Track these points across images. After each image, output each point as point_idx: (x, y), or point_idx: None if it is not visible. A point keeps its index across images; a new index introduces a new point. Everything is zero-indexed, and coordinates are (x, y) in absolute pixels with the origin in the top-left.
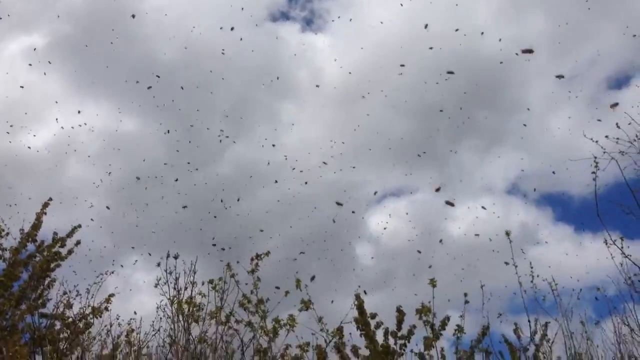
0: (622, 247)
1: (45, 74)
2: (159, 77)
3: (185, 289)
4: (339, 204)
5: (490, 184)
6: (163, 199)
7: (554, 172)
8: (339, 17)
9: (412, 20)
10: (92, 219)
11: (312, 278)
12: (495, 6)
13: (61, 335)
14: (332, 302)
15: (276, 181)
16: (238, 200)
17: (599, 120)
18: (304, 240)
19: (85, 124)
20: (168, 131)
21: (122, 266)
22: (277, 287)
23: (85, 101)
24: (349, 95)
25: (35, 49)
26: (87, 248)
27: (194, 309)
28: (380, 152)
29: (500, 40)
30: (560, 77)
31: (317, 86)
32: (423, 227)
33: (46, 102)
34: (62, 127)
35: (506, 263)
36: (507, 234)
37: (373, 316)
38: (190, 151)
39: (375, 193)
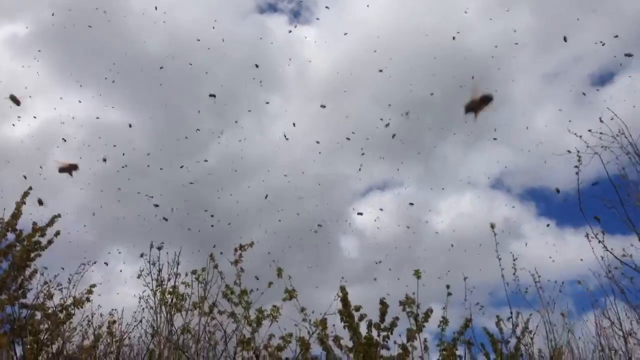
0: (603, 241)
1: None
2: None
3: (169, 280)
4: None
5: (474, 178)
6: (146, 191)
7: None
8: (326, 9)
9: (399, 13)
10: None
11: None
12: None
13: (42, 326)
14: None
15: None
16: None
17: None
18: (288, 233)
19: (69, 114)
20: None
21: (106, 264)
22: (257, 277)
23: (69, 91)
24: (336, 88)
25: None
26: (68, 239)
27: (178, 299)
28: (365, 145)
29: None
30: (629, 55)
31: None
32: (408, 220)
33: (30, 91)
34: (46, 117)
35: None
36: (492, 226)
37: (357, 308)
38: (175, 143)
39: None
